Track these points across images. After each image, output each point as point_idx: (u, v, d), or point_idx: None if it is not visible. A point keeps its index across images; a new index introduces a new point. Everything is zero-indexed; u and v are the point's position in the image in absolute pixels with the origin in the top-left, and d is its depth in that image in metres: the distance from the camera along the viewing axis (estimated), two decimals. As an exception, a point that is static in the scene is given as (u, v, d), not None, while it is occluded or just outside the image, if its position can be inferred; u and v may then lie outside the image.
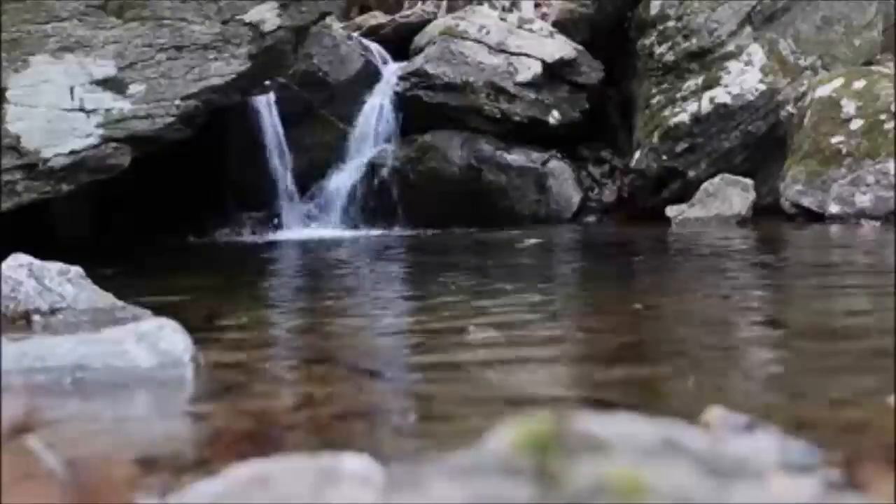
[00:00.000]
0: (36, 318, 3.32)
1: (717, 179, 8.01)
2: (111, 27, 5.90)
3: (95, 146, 5.83)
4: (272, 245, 7.52)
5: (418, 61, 8.89)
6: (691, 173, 8.31)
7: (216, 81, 6.05)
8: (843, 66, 8.36)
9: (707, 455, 1.08)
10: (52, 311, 3.35)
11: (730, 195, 7.93)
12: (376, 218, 8.50)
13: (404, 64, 8.97)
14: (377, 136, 8.72)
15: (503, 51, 8.87)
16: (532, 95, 8.76)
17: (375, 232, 8.19)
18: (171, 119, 5.96)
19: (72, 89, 5.81)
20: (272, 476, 1.16)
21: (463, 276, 5.14)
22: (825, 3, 8.58)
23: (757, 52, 8.39)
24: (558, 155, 8.80)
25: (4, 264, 3.42)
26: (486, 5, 9.57)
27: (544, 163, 8.74)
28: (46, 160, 5.75)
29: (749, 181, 7.99)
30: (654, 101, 8.50)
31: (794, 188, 7.71)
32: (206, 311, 3.89)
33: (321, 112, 8.64)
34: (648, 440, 1.09)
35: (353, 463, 1.17)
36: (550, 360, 2.92)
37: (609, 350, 3.00)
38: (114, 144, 5.87)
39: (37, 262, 3.44)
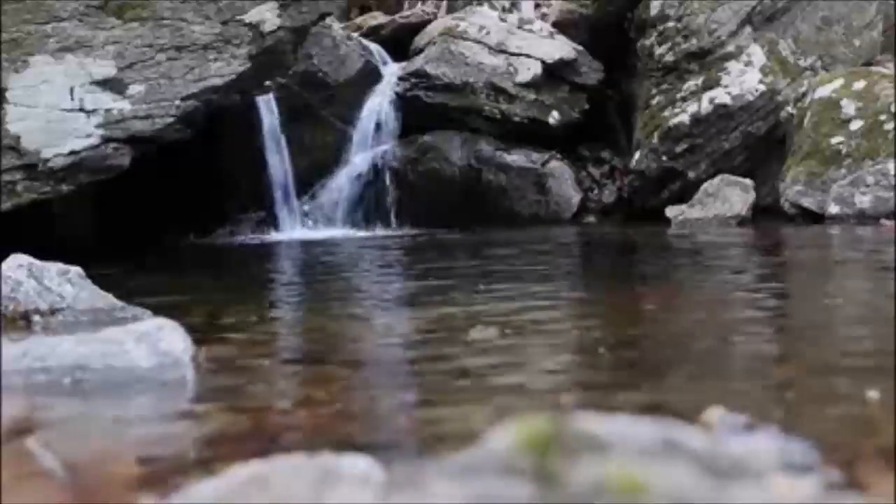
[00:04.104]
0: (36, 318, 3.32)
1: (716, 180, 8.01)
2: (111, 27, 5.90)
3: (95, 146, 5.83)
4: (272, 245, 7.52)
5: (418, 61, 8.89)
6: (691, 174, 8.31)
7: (216, 81, 6.05)
8: (843, 66, 8.36)
9: (707, 455, 1.08)
10: (52, 311, 3.35)
11: (729, 196, 7.93)
12: (376, 218, 8.50)
13: (404, 64, 8.98)
14: (377, 136, 8.73)
15: (503, 51, 8.88)
16: (532, 96, 8.76)
17: (375, 232, 8.19)
18: (171, 119, 5.96)
19: (72, 89, 5.81)
20: (272, 476, 1.16)
21: (462, 276, 5.14)
22: (825, 3, 8.58)
23: (757, 53, 8.39)
24: (558, 155, 8.80)
25: (4, 264, 3.42)
26: (486, 5, 9.57)
27: (544, 163, 8.74)
28: (46, 160, 5.75)
29: (749, 182, 7.99)
30: (654, 101, 8.50)
31: (794, 189, 7.71)
32: (206, 311, 3.89)
33: (321, 112, 8.64)
34: (648, 440, 1.09)
35: (353, 463, 1.17)
36: (552, 360, 2.92)
37: (608, 350, 3.00)
38: (114, 145, 5.87)
39: (37, 262, 3.44)
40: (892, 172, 7.25)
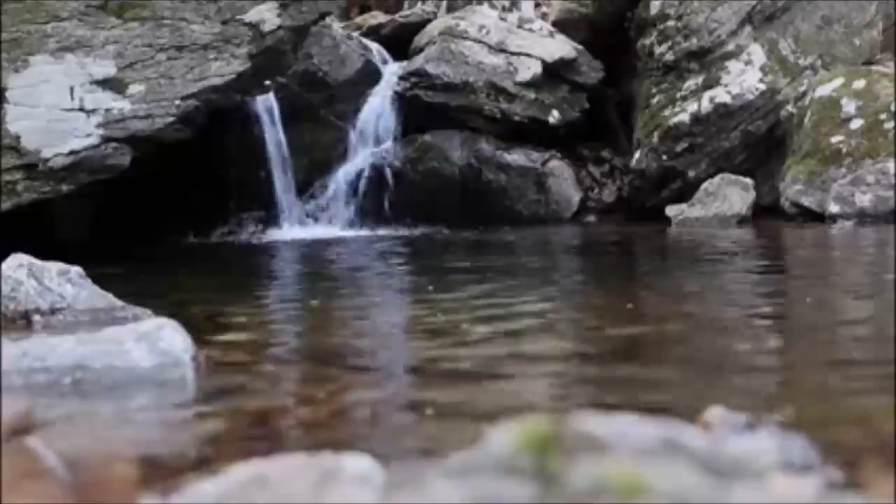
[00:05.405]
0: (36, 318, 3.32)
1: (716, 179, 8.00)
2: (111, 27, 5.90)
3: (95, 146, 5.83)
4: (272, 245, 7.52)
5: (418, 61, 8.89)
6: (691, 173, 8.30)
7: (216, 81, 6.05)
8: (843, 65, 8.36)
9: (707, 455, 1.08)
10: (52, 311, 3.35)
11: (730, 195, 7.93)
12: (376, 218, 8.50)
13: (404, 64, 8.97)
14: (377, 136, 8.72)
15: (503, 51, 8.87)
16: (532, 95, 8.76)
17: (375, 232, 8.19)
18: (171, 119, 5.96)
19: (72, 89, 5.81)
20: (272, 476, 1.16)
21: (462, 275, 5.14)
22: (825, 2, 8.58)
23: (757, 52, 8.38)
24: (558, 155, 8.80)
25: (4, 264, 3.42)
26: (486, 5, 9.57)
27: (544, 163, 8.74)
28: (46, 160, 5.75)
29: (749, 181, 7.99)
30: (654, 100, 8.50)
31: (794, 188, 7.70)
32: (206, 311, 3.89)
33: (321, 112, 8.64)
34: (648, 440, 1.09)
35: (353, 463, 1.17)
36: (552, 359, 2.92)
37: (608, 350, 3.00)
38: (114, 144, 5.87)
39: (37, 262, 3.44)
40: (893, 171, 7.25)
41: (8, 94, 5.73)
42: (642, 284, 4.90)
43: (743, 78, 8.29)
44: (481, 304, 3.97)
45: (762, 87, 8.27)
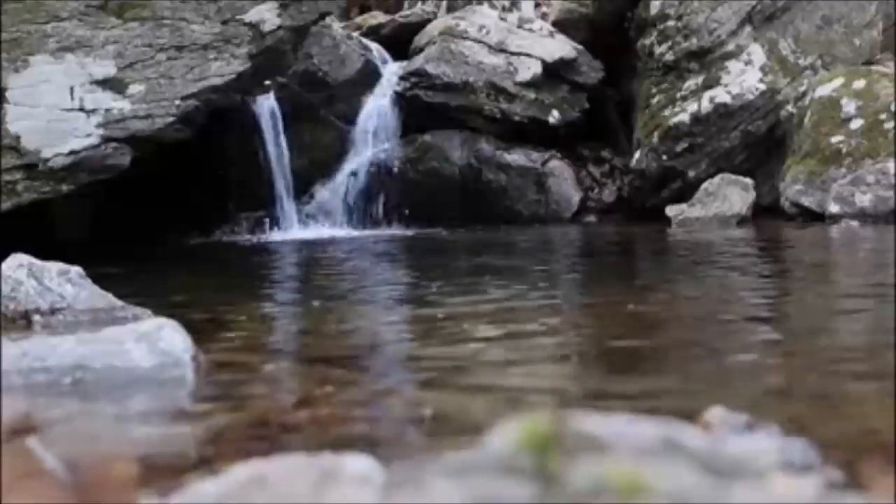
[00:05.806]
0: (36, 318, 3.32)
1: (717, 179, 8.01)
2: (111, 27, 5.90)
3: (95, 146, 5.83)
4: (272, 245, 7.52)
5: (418, 61, 8.89)
6: (691, 173, 8.30)
7: (216, 81, 6.05)
8: (843, 65, 8.36)
9: (707, 455, 1.08)
10: (52, 311, 3.34)
11: (730, 195, 7.93)
12: (376, 217, 8.50)
13: (404, 64, 8.98)
14: (377, 136, 8.73)
15: (503, 51, 8.88)
16: (532, 95, 8.76)
17: (375, 232, 8.19)
18: (171, 119, 5.96)
19: (72, 89, 5.81)
20: (272, 476, 1.16)
21: (462, 276, 5.14)
22: (825, 2, 8.58)
23: (757, 52, 8.38)
24: (558, 155, 8.80)
25: (4, 264, 3.42)
26: (486, 5, 9.57)
27: (544, 163, 8.74)
28: (46, 160, 5.76)
29: (749, 181, 7.99)
30: (654, 100, 8.50)
31: (794, 188, 7.71)
32: (206, 310, 3.89)
33: (321, 112, 8.64)
34: (648, 440, 1.09)
35: (353, 463, 1.17)
36: (552, 359, 2.92)
37: (608, 350, 3.00)
38: (114, 144, 5.87)
39: (37, 262, 3.44)
40: (893, 171, 7.25)
41: (8, 94, 5.74)
42: (643, 285, 4.90)
43: (743, 78, 8.29)
44: (482, 304, 3.96)
45: (762, 87, 8.27)
